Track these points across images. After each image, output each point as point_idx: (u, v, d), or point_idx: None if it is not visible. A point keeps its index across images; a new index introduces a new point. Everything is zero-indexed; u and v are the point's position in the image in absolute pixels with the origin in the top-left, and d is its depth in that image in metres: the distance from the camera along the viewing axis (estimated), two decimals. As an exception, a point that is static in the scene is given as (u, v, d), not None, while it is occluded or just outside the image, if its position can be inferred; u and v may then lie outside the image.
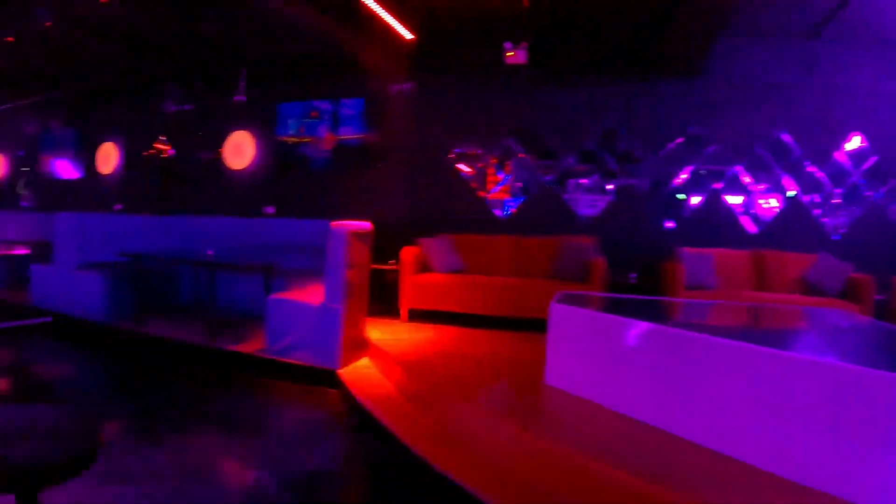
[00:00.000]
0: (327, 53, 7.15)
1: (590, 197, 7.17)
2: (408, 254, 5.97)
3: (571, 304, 3.72)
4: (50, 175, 10.49)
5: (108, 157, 9.67)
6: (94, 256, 6.17)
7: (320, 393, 4.26)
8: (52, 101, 10.39)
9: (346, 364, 4.39)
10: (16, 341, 5.63)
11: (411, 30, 6.45)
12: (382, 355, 4.52)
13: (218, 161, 8.44)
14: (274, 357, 4.56)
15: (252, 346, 4.80)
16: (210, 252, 5.59)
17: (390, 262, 6.51)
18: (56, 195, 10.28)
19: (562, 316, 3.64)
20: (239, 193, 8.27)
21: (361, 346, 4.75)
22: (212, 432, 3.48)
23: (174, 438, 3.29)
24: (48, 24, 6.80)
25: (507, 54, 6.57)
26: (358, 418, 3.68)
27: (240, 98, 7.94)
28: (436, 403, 3.60)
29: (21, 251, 7.65)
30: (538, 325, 4.17)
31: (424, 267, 6.11)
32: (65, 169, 10.24)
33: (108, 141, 9.68)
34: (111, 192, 9.52)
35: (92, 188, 9.84)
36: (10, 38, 7.39)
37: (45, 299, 6.20)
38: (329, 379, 4.29)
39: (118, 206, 9.27)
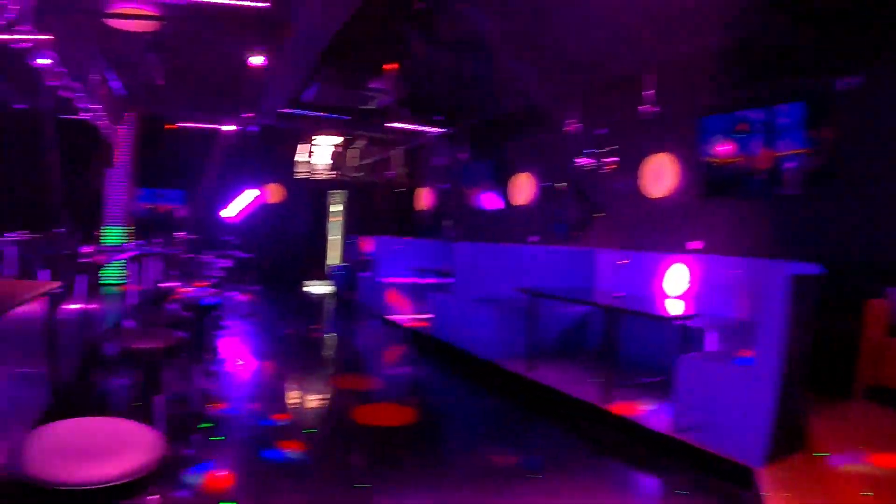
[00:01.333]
0: (754, 44, 5.71)
1: None
2: (876, 309, 4.17)
3: None
4: (472, 206, 10.90)
5: (522, 188, 9.57)
6: (493, 289, 6.07)
7: (728, 495, 3.12)
8: (466, 131, 10.72)
9: (773, 461, 3.12)
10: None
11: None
12: (826, 459, 3.07)
13: (633, 187, 7.34)
14: (672, 434, 3.61)
15: (649, 414, 3.97)
16: (619, 294, 4.95)
17: (842, 317, 4.70)
18: (478, 226, 10.66)
19: None
20: (658, 224, 7.03)
21: (798, 437, 3.37)
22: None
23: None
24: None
25: None
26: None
27: (649, 110, 6.87)
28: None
29: (429, 280, 8.40)
30: None
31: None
32: (487, 200, 10.48)
33: (522, 171, 9.57)
34: (526, 224, 9.32)
35: (509, 219, 9.85)
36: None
37: (441, 329, 6.49)
38: (741, 477, 3.10)
39: (534, 238, 8.96)
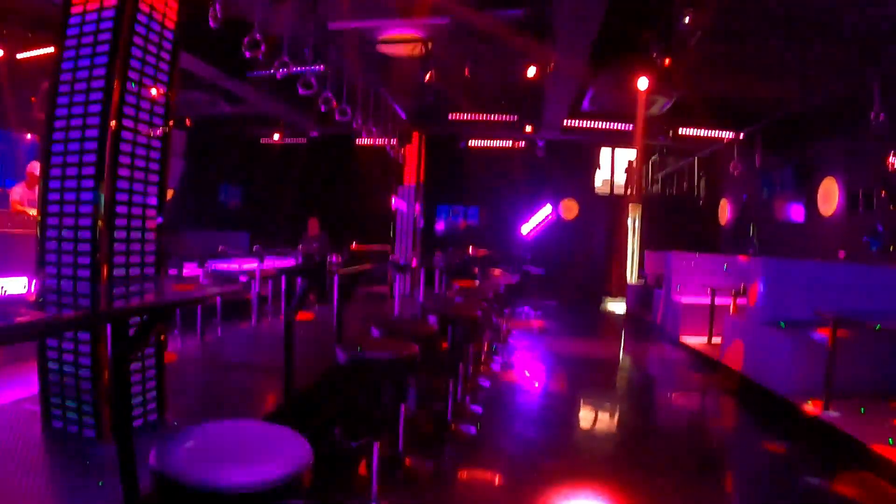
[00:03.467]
0: None
1: None
2: None
3: None
4: (771, 217, 10.05)
5: (827, 196, 8.44)
6: (792, 312, 5.33)
7: None
8: (761, 132, 9.69)
9: None
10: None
11: None
12: None
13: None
14: None
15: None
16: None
17: None
18: (778, 240, 9.85)
19: None
20: None
21: None
22: None
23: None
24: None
25: None
26: None
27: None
28: None
29: (725, 299, 7.40)
30: None
31: None
32: (786, 210, 9.62)
33: (828, 176, 8.44)
34: (832, 237, 8.31)
35: (813, 232, 8.90)
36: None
37: (734, 356, 5.97)
38: None
39: (842, 254, 7.94)
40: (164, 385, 3.24)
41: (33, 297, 2.63)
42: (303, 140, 12.62)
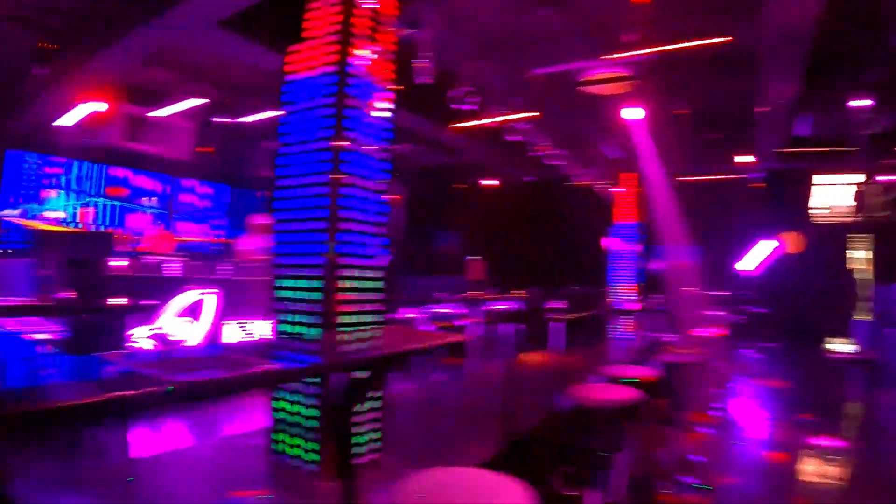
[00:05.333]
0: None
1: None
2: None
3: None
4: None
5: None
6: None
7: None
8: None
9: None
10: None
11: None
12: None
13: None
14: None
15: None
16: None
17: None
18: None
19: None
20: None
21: None
22: None
23: None
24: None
25: None
26: None
27: None
28: None
29: None
30: None
31: None
32: None
33: None
34: None
35: None
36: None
37: None
38: None
39: None
40: (384, 427, 3.32)
41: (269, 343, 2.84)
42: (515, 184, 13.00)
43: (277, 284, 3.22)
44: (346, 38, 3.18)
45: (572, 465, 3.38)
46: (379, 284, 3.28)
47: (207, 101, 7.69)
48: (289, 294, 3.18)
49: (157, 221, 8.93)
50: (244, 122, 8.47)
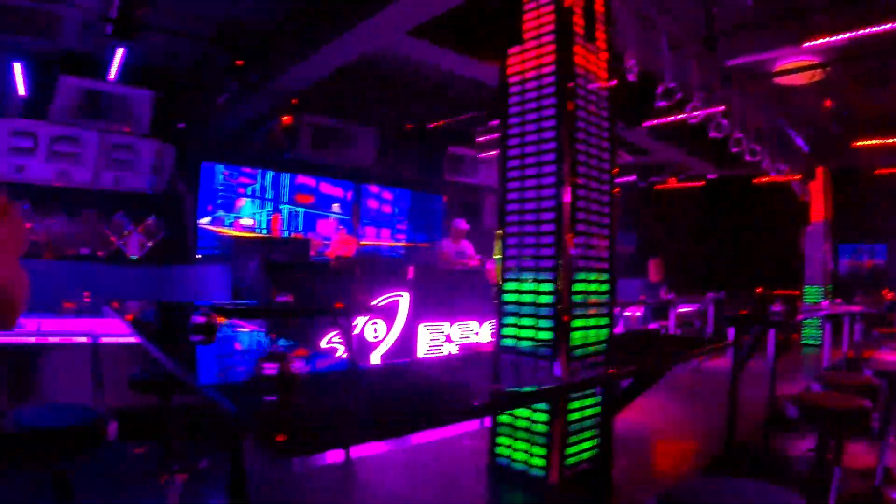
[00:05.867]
0: None
1: None
2: None
3: None
4: None
5: None
6: None
7: None
8: None
9: None
10: None
11: None
12: None
13: None
14: None
15: None
16: None
17: None
18: None
19: None
20: None
21: None
22: None
23: None
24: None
25: None
26: None
27: None
28: None
29: None
30: None
31: None
32: None
33: None
34: None
35: None
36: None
37: None
38: None
39: None
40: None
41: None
42: (699, 183, 12.25)
43: (505, 288, 3.22)
44: (565, 39, 3.09)
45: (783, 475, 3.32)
46: (608, 287, 3.15)
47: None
48: (516, 297, 3.16)
49: (340, 226, 9.55)
50: (428, 128, 8.82)
